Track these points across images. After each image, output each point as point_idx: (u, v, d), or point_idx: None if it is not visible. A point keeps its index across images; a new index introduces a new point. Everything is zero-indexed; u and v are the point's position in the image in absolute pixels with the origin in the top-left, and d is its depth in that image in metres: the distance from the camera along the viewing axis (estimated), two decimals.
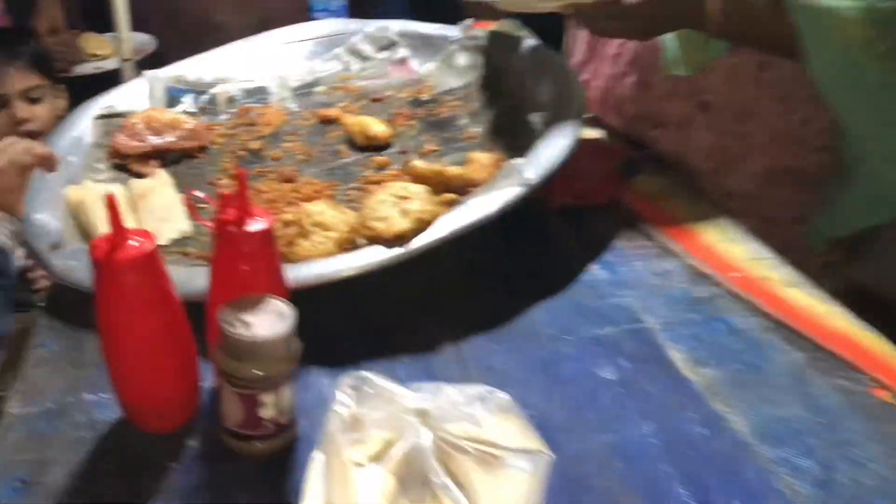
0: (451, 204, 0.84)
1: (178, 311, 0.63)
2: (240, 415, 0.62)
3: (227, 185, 1.06)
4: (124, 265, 0.58)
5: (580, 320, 0.79)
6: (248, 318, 0.59)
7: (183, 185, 1.07)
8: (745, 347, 0.76)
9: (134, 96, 1.22)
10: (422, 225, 0.77)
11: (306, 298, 0.73)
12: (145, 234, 0.60)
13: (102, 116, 1.16)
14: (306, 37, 1.37)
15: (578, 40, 1.22)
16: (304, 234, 0.81)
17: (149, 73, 1.25)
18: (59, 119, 1.33)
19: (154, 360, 0.63)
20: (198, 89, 1.27)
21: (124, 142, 1.11)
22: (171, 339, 0.63)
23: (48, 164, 0.95)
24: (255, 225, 0.63)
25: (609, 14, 0.90)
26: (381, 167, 1.06)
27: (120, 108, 1.18)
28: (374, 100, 1.25)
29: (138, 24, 1.68)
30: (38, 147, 0.93)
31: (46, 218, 0.89)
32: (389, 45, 1.34)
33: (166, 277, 0.61)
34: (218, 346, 0.60)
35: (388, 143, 1.12)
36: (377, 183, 1.02)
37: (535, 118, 1.00)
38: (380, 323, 0.79)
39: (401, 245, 0.76)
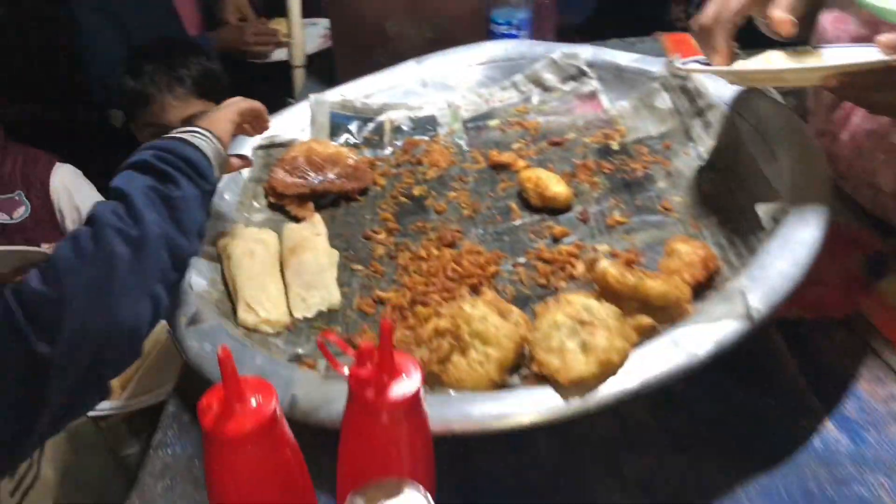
0: (646, 332, 0.67)
1: (299, 481, 0.51)
2: None
3: (383, 241, 0.95)
4: (237, 441, 0.47)
5: None
6: None
7: (338, 235, 0.97)
8: None
9: (296, 121, 1.14)
10: (609, 368, 0.61)
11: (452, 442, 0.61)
12: (264, 388, 0.49)
13: (262, 147, 1.08)
14: (484, 59, 1.22)
15: (818, 100, 0.98)
16: (461, 347, 0.67)
17: (314, 96, 1.16)
18: None
19: None
20: (363, 116, 1.17)
21: (282, 179, 1.02)
22: (288, 498, 0.52)
23: (260, 122, 0.94)
24: (397, 388, 0.50)
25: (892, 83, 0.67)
26: (557, 238, 0.91)
27: (281, 136, 1.10)
28: (554, 143, 1.08)
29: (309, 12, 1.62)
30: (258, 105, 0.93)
31: (190, 278, 0.82)
32: (577, 76, 1.16)
33: (288, 445, 0.50)
34: None
35: (569, 206, 0.95)
36: (550, 262, 0.86)
37: (762, 209, 0.79)
38: (542, 478, 0.64)
39: (578, 393, 0.60)
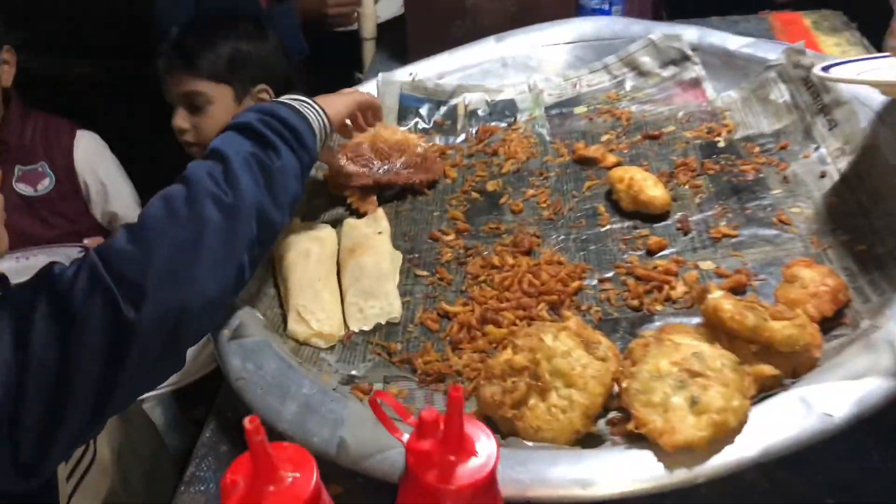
0: (768, 382, 0.55)
1: None
2: None
3: (452, 244, 0.85)
4: None
5: None
6: None
7: (402, 234, 0.87)
8: None
9: None
10: (723, 432, 0.50)
11: None
12: (302, 460, 0.40)
13: None
14: (572, 38, 1.09)
15: None
16: (540, 388, 0.57)
17: (382, 75, 1.06)
18: None
19: None
20: (435, 98, 1.07)
21: (344, 167, 0.93)
22: None
23: (375, 115, 0.90)
24: (465, 470, 0.40)
25: None
26: (652, 251, 0.79)
27: None
28: (650, 136, 0.95)
29: None
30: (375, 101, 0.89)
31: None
32: (679, 60, 1.02)
33: None
34: None
35: (667, 212, 0.83)
36: (643, 279, 0.75)
37: None
38: None
39: (686, 459, 0.49)
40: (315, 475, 0.39)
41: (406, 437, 0.42)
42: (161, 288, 0.57)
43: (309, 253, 0.78)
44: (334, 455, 0.55)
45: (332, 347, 0.73)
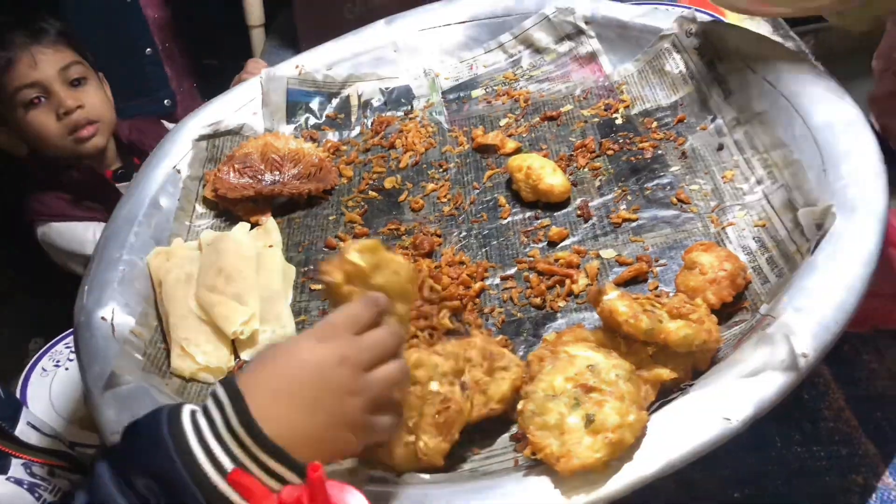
0: (667, 385, 0.54)
1: None
2: None
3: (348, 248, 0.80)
4: None
5: None
6: None
7: (295, 245, 0.83)
8: None
9: (245, 101, 0.98)
10: (620, 450, 0.48)
11: None
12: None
13: (205, 137, 0.92)
14: (465, 17, 1.05)
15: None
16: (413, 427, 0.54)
17: (265, 71, 0.99)
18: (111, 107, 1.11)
19: None
20: (326, 91, 1.01)
21: (225, 179, 0.87)
22: None
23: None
24: None
25: None
26: (554, 242, 0.76)
27: (228, 122, 0.94)
28: (548, 118, 0.92)
29: None
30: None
31: (112, 317, 0.68)
32: (573, 35, 0.99)
33: None
34: None
35: (567, 200, 0.81)
36: (545, 273, 0.72)
37: (802, 212, 0.65)
38: None
39: (583, 484, 0.47)
40: None
41: None
42: None
43: (190, 278, 0.73)
44: None
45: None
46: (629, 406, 0.49)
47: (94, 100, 1.06)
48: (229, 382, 0.44)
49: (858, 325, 0.66)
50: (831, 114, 0.70)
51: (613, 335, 0.56)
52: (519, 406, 0.52)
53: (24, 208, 1.11)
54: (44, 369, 0.92)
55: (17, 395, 0.88)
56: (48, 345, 0.95)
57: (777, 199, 0.71)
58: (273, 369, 0.44)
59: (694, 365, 0.56)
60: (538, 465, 0.49)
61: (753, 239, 0.70)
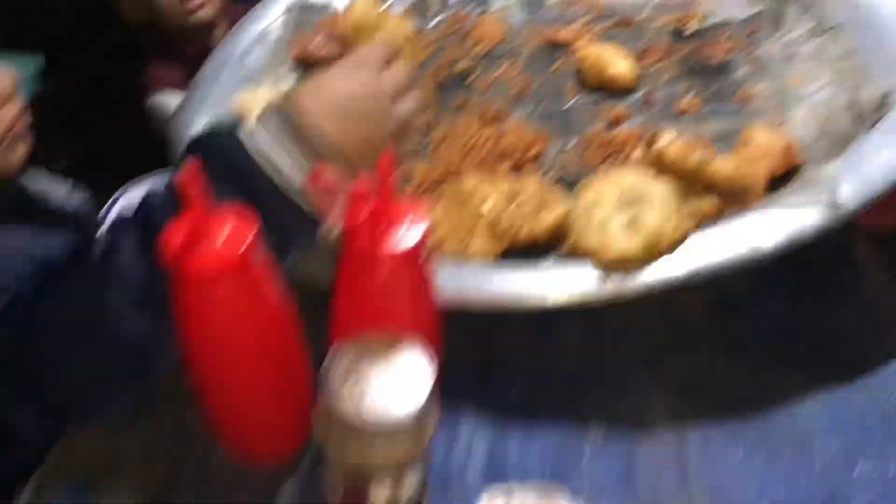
0: (707, 217, 0.56)
1: (282, 317, 0.44)
2: (340, 497, 0.43)
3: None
4: (205, 280, 0.39)
5: (887, 438, 0.50)
6: (366, 374, 0.39)
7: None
8: None
9: None
10: (656, 249, 0.51)
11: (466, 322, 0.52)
12: (240, 218, 0.41)
13: (297, 6, 0.98)
14: None
15: None
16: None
17: None
18: None
19: (248, 380, 0.46)
20: None
21: (314, 40, 0.92)
22: (272, 354, 0.46)
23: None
24: (396, 237, 0.41)
25: None
26: (616, 122, 0.79)
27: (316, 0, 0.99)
28: (622, 23, 0.95)
29: None
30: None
31: None
32: None
33: (269, 278, 0.42)
34: (319, 406, 0.41)
35: (632, 88, 0.83)
36: (607, 145, 0.75)
37: (862, 93, 0.66)
38: (567, 365, 0.56)
39: (619, 274, 0.51)
40: (251, 230, 0.40)
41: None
42: None
43: None
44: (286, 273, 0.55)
45: None
46: (669, 214, 0.52)
47: None
48: (281, 107, 0.47)
49: None
50: None
51: (661, 174, 0.59)
52: (575, 214, 0.55)
53: (139, 79, 1.18)
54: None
55: None
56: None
57: (842, 99, 0.72)
58: (318, 94, 0.49)
59: (738, 209, 0.59)
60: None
61: (815, 132, 0.72)
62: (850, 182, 0.54)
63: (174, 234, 0.39)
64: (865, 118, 0.65)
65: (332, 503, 0.44)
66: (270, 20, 0.95)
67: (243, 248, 0.39)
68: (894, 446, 0.49)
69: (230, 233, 0.39)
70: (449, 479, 0.48)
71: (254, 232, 0.40)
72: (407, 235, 0.41)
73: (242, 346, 0.44)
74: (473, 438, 0.51)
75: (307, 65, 0.92)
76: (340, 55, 0.90)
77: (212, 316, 0.41)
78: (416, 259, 0.42)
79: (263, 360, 0.45)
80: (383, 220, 0.41)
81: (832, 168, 0.56)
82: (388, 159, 0.40)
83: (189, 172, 0.38)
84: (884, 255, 0.64)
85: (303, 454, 0.51)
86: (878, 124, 0.61)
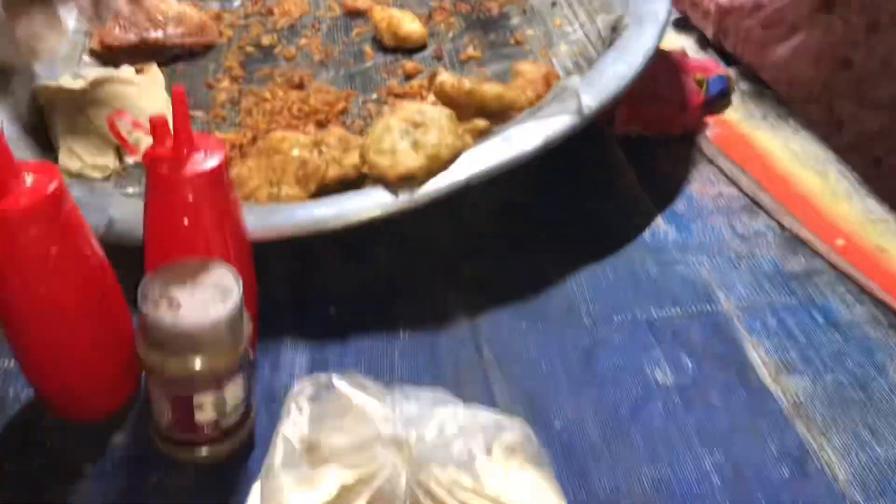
0: (480, 133, 0.66)
1: (97, 269, 0.48)
2: (170, 417, 0.48)
3: (226, 89, 0.90)
4: (13, 221, 0.43)
5: (634, 295, 0.62)
6: (179, 293, 0.44)
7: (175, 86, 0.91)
8: (850, 349, 0.58)
9: None
10: (437, 163, 0.60)
11: (280, 249, 0.59)
12: (46, 168, 0.45)
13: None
14: None
15: None
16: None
17: None
18: None
19: (65, 332, 0.47)
20: None
21: (111, 31, 0.94)
22: (88, 305, 0.48)
23: None
24: (196, 162, 0.47)
25: None
26: (410, 75, 0.88)
27: None
28: None
29: None
30: None
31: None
32: None
33: (79, 227, 0.46)
34: (138, 329, 0.46)
35: (423, 45, 0.92)
36: (401, 96, 0.84)
37: (602, 19, 0.79)
38: (376, 284, 0.63)
39: (408, 188, 0.59)
40: (55, 179, 0.44)
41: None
42: None
43: (81, 99, 0.80)
44: (104, 233, 0.59)
45: (108, 177, 0.76)
46: (447, 134, 0.61)
47: None
48: None
49: (652, 129, 0.81)
50: None
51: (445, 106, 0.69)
52: (366, 143, 0.63)
53: None
54: None
55: None
56: None
57: (593, 33, 0.85)
58: None
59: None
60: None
61: (572, 62, 0.84)
62: (590, 92, 0.65)
63: None
64: (604, 39, 0.78)
65: (162, 425, 0.48)
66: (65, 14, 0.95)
67: (50, 190, 0.43)
68: (640, 302, 0.61)
69: (34, 180, 0.43)
70: (275, 395, 0.53)
71: (59, 179, 0.44)
72: (206, 161, 0.47)
73: (57, 294, 0.45)
74: (295, 356, 0.56)
75: (106, 51, 0.94)
76: (137, 45, 0.93)
77: (23, 263, 0.44)
78: (218, 182, 0.47)
79: (80, 310, 0.47)
80: (182, 148, 0.46)
81: (576, 81, 0.67)
82: (180, 93, 0.46)
83: None
84: (633, 158, 0.76)
85: (131, 406, 0.53)
86: (614, 44, 0.73)
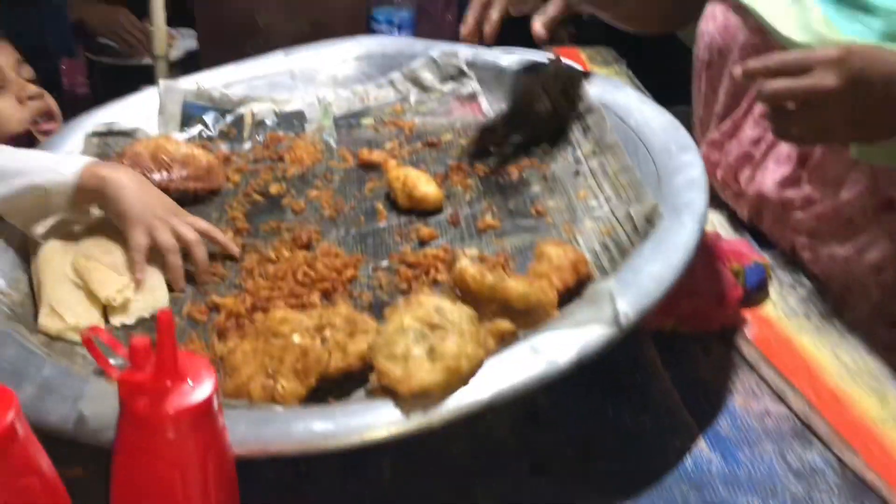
0: (504, 337, 0.60)
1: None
2: None
3: (229, 240, 0.84)
4: None
5: None
6: None
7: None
8: None
9: (142, 109, 1.01)
10: (456, 377, 0.53)
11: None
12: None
13: (98, 134, 0.95)
14: (359, 54, 1.13)
15: (719, 92, 0.94)
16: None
17: (163, 83, 1.04)
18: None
19: None
20: (221, 108, 1.06)
21: None
22: None
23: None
24: (180, 396, 0.39)
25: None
26: (424, 241, 0.83)
27: (122, 124, 0.97)
28: (429, 144, 1.01)
29: (179, 20, 1.49)
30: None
31: None
32: (456, 76, 1.09)
33: (35, 454, 0.39)
34: None
35: (439, 209, 0.88)
36: (414, 266, 0.78)
37: (635, 209, 0.74)
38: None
39: (421, 405, 0.52)
40: (13, 412, 0.37)
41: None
42: None
43: (66, 248, 0.74)
44: (72, 431, 0.52)
45: None
46: (468, 341, 0.54)
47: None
48: None
49: (687, 325, 0.75)
50: (668, 141, 0.81)
51: (463, 297, 0.62)
52: (376, 344, 0.56)
53: None
54: None
55: None
56: None
57: (621, 211, 0.80)
58: None
59: (534, 327, 0.62)
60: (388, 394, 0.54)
61: (599, 244, 0.79)
62: (626, 297, 0.59)
63: None
64: (639, 230, 0.73)
65: None
66: (71, 145, 0.91)
67: (7, 419, 0.36)
68: None
69: None
70: None
71: (15, 404, 0.37)
72: (193, 392, 0.40)
73: None
74: None
75: None
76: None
77: None
78: (205, 420, 0.40)
79: None
80: (165, 376, 0.39)
81: (612, 284, 0.61)
82: (167, 317, 0.39)
83: None
84: (667, 357, 0.70)
85: None
86: (650, 236, 0.68)
